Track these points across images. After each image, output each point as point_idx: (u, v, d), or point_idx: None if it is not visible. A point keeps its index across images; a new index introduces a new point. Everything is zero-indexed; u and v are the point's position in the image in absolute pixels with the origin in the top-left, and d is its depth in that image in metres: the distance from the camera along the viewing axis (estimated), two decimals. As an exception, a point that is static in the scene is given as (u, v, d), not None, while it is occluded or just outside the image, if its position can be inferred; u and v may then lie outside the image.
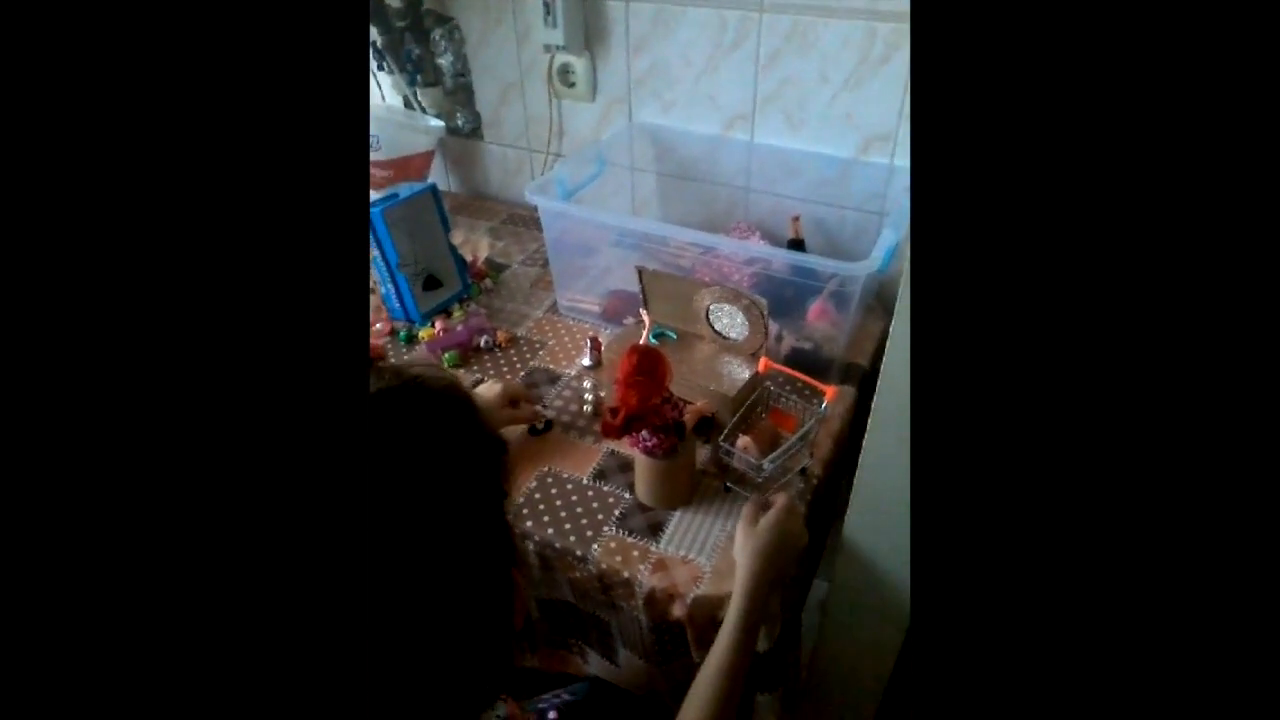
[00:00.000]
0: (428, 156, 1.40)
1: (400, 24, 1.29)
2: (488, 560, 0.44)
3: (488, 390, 0.89)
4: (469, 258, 1.21)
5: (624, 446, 0.88)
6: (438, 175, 1.49)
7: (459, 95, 1.39)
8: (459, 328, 1.08)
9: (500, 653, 0.47)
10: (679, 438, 0.78)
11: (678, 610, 0.77)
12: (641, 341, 0.80)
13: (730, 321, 0.90)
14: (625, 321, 1.09)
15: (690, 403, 0.83)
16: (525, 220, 1.39)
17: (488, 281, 1.21)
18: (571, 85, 1.25)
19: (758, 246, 1.08)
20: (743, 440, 0.81)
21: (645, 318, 0.87)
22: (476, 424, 0.45)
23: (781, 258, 0.98)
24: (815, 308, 1.01)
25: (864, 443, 0.75)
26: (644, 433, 0.76)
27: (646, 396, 0.71)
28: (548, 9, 1.15)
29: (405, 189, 1.09)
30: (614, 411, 0.73)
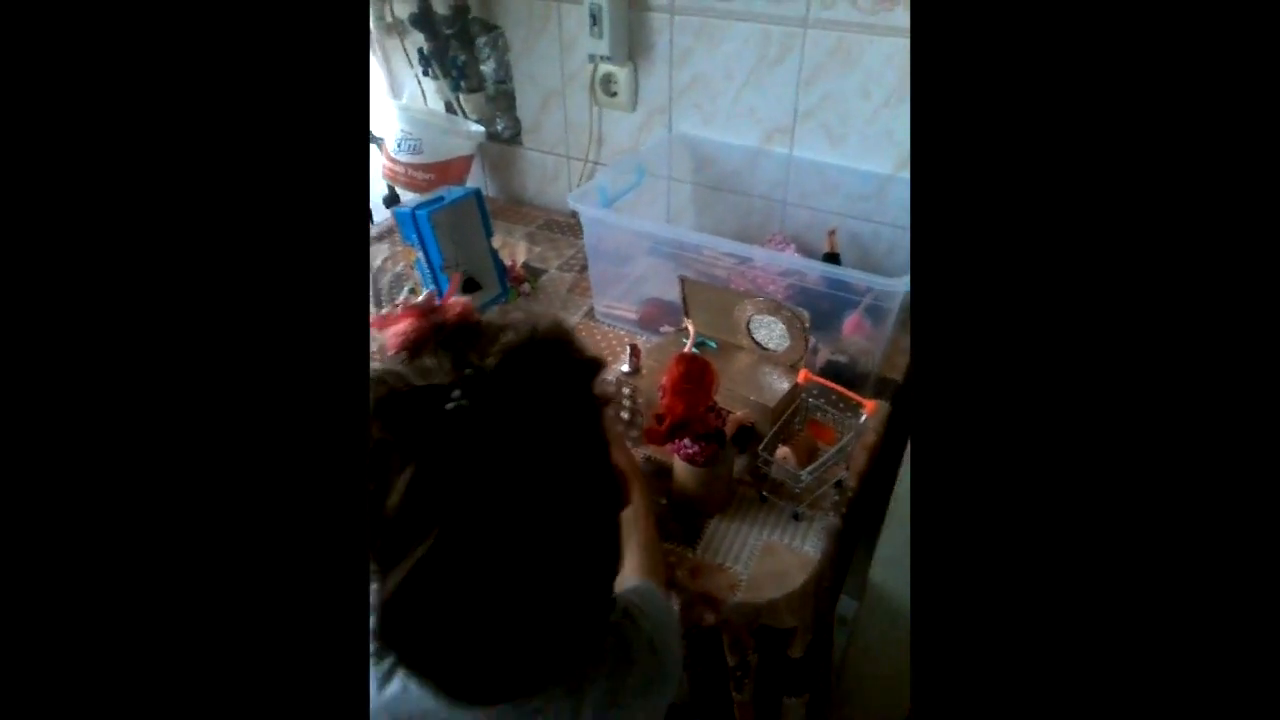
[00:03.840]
0: (468, 161, 1.42)
1: (448, 31, 1.32)
2: (605, 505, 0.47)
3: None
4: (507, 262, 1.23)
5: (661, 452, 0.89)
6: (475, 180, 1.52)
7: (500, 101, 1.42)
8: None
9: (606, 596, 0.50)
10: (720, 446, 0.79)
11: (711, 616, 0.78)
12: (685, 350, 0.81)
13: (769, 333, 0.91)
14: (662, 329, 1.10)
15: (731, 412, 0.84)
16: (562, 226, 1.41)
17: (526, 286, 1.23)
18: (613, 95, 1.27)
19: (795, 258, 1.09)
20: (782, 450, 0.82)
21: (689, 327, 0.89)
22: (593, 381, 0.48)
23: (818, 270, 0.99)
24: (851, 321, 1.02)
25: (905, 462, 0.76)
26: (686, 440, 0.78)
27: (693, 404, 0.73)
28: (594, 20, 1.17)
29: (450, 192, 1.12)
30: (660, 418, 0.75)
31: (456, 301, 0.48)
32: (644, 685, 0.53)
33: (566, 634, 0.46)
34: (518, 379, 0.41)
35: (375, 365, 0.42)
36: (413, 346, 0.44)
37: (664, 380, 0.76)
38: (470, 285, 1.17)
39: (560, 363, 0.43)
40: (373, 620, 0.48)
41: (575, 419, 0.44)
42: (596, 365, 0.45)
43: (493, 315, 0.46)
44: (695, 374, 0.72)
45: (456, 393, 0.39)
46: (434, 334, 0.44)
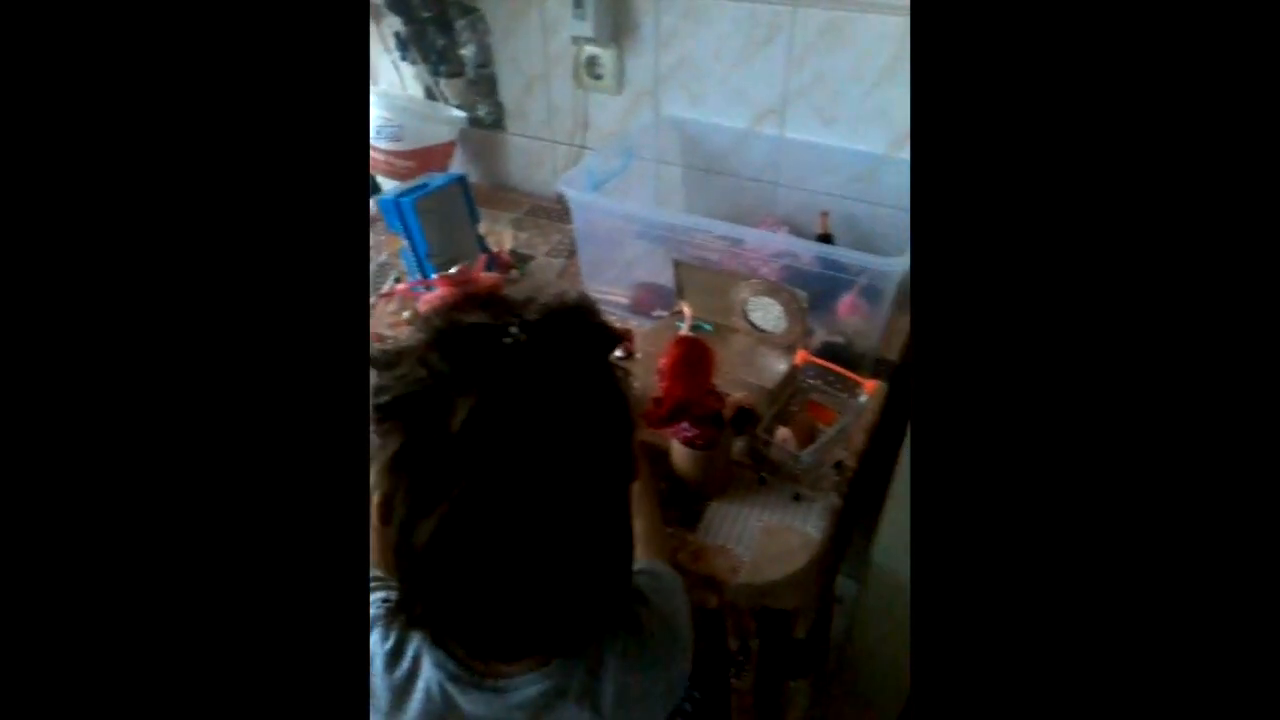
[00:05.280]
0: (449, 147, 1.39)
1: (425, 14, 1.29)
2: (627, 469, 0.48)
3: None
4: (494, 249, 1.21)
5: (656, 435, 0.88)
6: (458, 166, 1.49)
7: (481, 86, 1.39)
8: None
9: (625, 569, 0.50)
10: (719, 429, 0.78)
11: (715, 598, 0.78)
12: (682, 333, 0.80)
13: (766, 315, 0.90)
14: (654, 314, 1.09)
15: (729, 395, 0.83)
16: (548, 212, 1.39)
17: (514, 273, 1.20)
18: (598, 78, 1.25)
19: (787, 239, 1.08)
20: (782, 432, 0.81)
21: (686, 310, 0.87)
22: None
23: (811, 251, 0.98)
24: (846, 302, 1.01)
25: (905, 443, 0.76)
26: (685, 423, 0.77)
27: (693, 388, 0.71)
28: (578, 1, 1.15)
29: (435, 179, 1.09)
30: (658, 402, 0.74)
31: (488, 275, 0.51)
32: (660, 659, 0.54)
33: (590, 586, 0.46)
34: (561, 330, 0.43)
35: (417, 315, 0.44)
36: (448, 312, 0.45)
37: (662, 363, 0.74)
38: (457, 273, 1.15)
39: (593, 324, 0.46)
40: (388, 596, 0.48)
41: (609, 378, 0.46)
42: (620, 335, 0.47)
43: (517, 288, 0.47)
44: (694, 357, 0.71)
45: (514, 328, 0.41)
46: (467, 302, 0.45)
